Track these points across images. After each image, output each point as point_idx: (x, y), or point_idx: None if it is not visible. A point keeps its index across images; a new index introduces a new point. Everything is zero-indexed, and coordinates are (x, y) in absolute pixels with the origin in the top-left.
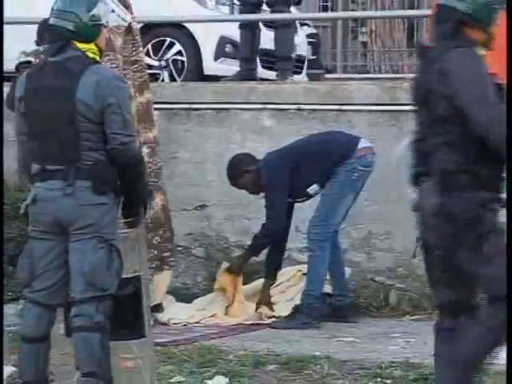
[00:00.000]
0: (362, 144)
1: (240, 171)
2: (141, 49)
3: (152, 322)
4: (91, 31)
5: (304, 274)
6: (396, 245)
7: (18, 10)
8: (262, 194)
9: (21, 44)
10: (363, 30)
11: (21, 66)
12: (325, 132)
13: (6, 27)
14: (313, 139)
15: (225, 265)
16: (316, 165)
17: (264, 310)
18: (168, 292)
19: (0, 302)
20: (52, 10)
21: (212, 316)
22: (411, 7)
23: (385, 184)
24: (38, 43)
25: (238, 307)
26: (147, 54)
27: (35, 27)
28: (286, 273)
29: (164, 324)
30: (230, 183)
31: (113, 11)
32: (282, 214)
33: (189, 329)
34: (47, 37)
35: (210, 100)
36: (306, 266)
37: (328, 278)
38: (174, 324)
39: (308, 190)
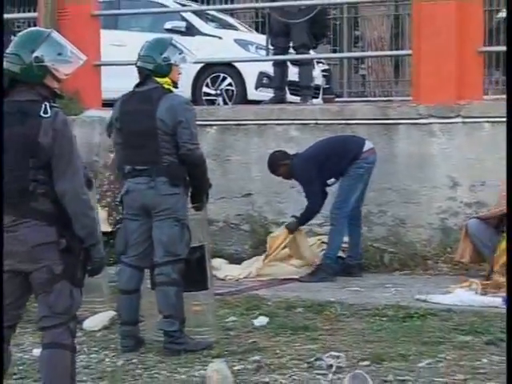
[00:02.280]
0: (367, 146)
1: (277, 164)
2: None
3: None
4: (164, 69)
5: (322, 242)
6: (388, 220)
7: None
8: (292, 186)
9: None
10: (362, 66)
11: None
12: (339, 136)
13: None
14: (330, 143)
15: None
16: (333, 164)
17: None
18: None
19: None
20: (138, 55)
21: (256, 274)
22: (397, 48)
23: (379, 177)
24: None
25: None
26: (207, 85)
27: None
28: (310, 241)
29: (222, 279)
30: (270, 172)
31: (181, 53)
32: (317, 198)
33: (239, 283)
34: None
35: (252, 118)
36: (323, 236)
37: (345, 244)
38: (228, 279)
39: (328, 181)
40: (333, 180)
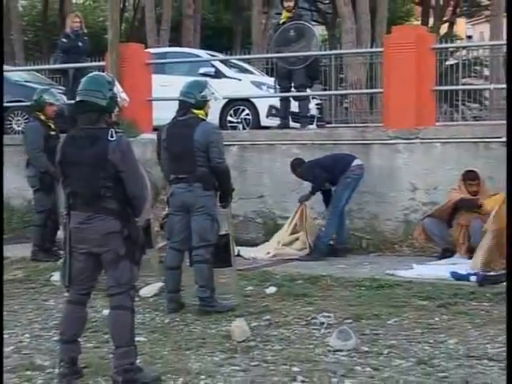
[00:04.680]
0: (355, 163)
1: (295, 168)
2: None
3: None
4: (202, 104)
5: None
6: (365, 215)
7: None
8: (293, 189)
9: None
10: (346, 100)
11: None
12: (338, 153)
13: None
14: (328, 158)
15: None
16: (329, 174)
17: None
18: (245, 244)
19: (0, 302)
20: (181, 92)
21: (267, 254)
22: (371, 87)
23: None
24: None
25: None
26: (230, 115)
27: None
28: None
29: (247, 259)
30: (291, 172)
31: (213, 93)
32: (318, 183)
33: (255, 261)
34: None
35: (264, 139)
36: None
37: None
38: (246, 259)
39: (324, 185)
40: (327, 185)
